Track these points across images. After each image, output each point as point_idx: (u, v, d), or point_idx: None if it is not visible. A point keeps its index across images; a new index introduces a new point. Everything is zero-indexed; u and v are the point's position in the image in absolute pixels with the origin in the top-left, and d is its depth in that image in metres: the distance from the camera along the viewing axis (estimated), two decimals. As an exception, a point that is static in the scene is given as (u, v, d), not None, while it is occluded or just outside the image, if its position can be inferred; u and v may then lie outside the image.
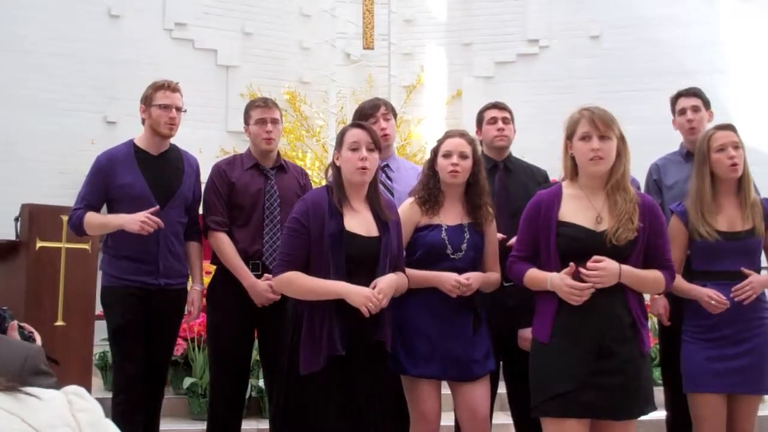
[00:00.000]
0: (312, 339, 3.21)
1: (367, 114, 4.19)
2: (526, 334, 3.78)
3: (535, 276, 3.19)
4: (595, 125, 3.09)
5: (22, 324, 2.16)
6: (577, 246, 3.10)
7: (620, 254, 3.09)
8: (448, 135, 3.66)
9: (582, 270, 3.05)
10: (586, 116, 3.12)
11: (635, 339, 3.11)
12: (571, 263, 3.07)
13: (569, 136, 3.18)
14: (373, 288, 3.20)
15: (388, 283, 3.26)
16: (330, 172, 3.45)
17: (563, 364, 3.05)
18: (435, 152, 3.63)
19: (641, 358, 3.12)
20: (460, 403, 3.53)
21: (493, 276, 3.63)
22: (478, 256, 3.59)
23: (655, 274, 3.19)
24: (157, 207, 3.94)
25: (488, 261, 3.64)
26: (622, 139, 3.15)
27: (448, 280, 3.43)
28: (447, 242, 3.51)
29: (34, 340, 2.12)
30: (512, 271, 3.32)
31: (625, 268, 3.08)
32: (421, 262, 3.52)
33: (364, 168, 3.31)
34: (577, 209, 3.16)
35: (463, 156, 3.55)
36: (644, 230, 3.13)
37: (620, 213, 3.09)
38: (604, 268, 3.04)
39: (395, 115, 4.32)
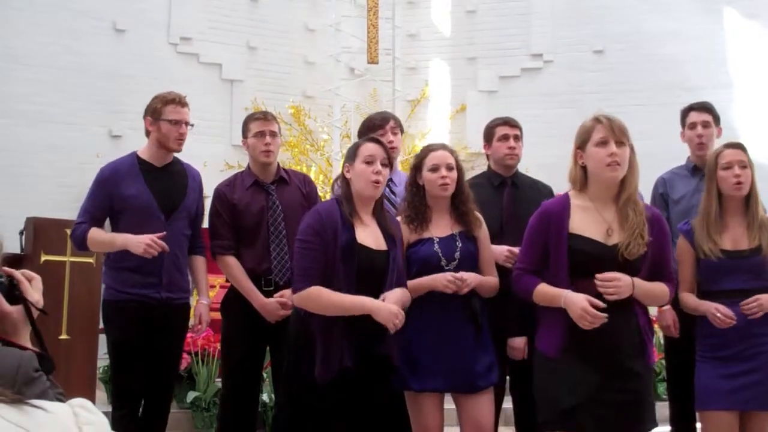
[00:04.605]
0: (327, 349, 3.20)
1: (376, 125, 4.19)
2: (514, 343, 3.79)
3: (548, 291, 3.15)
4: (612, 131, 3.08)
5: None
6: (588, 259, 3.09)
7: (630, 268, 3.09)
8: (431, 149, 3.63)
9: (598, 282, 3.04)
10: (602, 122, 3.11)
11: (643, 355, 3.12)
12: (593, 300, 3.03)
13: (581, 145, 3.16)
14: (382, 301, 3.20)
15: (398, 298, 3.27)
16: (337, 185, 3.44)
17: (573, 379, 3.03)
18: (417, 168, 3.58)
19: (648, 374, 3.13)
20: (464, 416, 3.49)
21: (492, 280, 3.58)
22: (474, 264, 3.54)
23: (661, 287, 3.21)
24: (164, 233, 3.87)
25: (484, 266, 3.58)
26: (632, 151, 3.14)
27: (441, 279, 3.41)
28: (440, 254, 3.48)
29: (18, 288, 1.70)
30: (520, 285, 3.27)
31: (637, 280, 3.09)
32: (417, 278, 3.49)
33: (378, 182, 3.32)
34: (588, 221, 3.14)
35: (449, 168, 3.53)
36: (652, 244, 3.13)
37: (631, 227, 3.08)
38: (620, 279, 3.04)
39: (402, 131, 4.31)
